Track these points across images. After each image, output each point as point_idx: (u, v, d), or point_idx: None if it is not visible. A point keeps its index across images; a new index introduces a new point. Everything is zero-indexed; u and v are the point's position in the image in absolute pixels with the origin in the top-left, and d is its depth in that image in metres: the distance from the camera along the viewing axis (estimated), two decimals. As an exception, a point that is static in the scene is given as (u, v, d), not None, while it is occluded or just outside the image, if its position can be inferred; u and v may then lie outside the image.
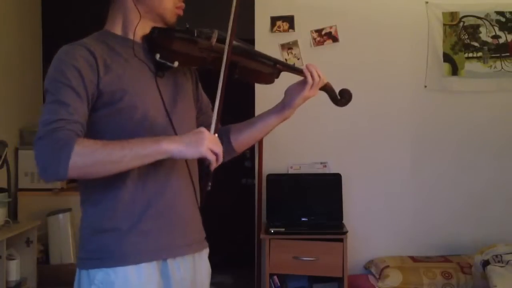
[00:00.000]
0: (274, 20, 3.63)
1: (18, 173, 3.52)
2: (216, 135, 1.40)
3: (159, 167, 1.42)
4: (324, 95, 1.72)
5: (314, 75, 1.58)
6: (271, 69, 1.61)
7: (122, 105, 1.39)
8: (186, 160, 1.49)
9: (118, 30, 1.48)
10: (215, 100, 1.44)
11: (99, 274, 1.38)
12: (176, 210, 1.47)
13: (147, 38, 1.48)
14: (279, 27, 3.62)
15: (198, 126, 1.57)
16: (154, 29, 1.49)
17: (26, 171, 3.51)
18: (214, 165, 1.37)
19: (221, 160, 1.37)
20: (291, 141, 3.59)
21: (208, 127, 1.54)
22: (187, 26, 1.50)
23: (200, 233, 1.58)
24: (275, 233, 3.24)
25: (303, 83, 1.59)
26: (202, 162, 1.40)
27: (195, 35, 1.49)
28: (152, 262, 1.42)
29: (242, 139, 1.66)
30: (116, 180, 1.38)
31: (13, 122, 3.56)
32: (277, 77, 1.64)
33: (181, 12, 1.52)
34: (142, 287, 1.39)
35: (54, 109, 1.30)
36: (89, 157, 1.27)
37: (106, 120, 1.40)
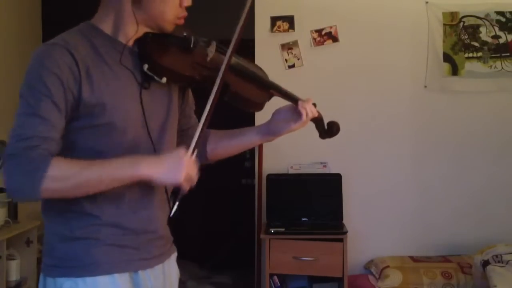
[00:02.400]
0: (274, 20, 3.62)
1: (18, 173, 3.52)
2: (194, 156, 1.33)
3: (133, 185, 1.34)
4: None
5: (308, 113, 1.48)
6: (265, 94, 1.51)
7: (101, 121, 1.30)
8: None
9: (107, 28, 1.36)
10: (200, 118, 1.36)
11: (67, 283, 1.32)
12: (150, 228, 1.42)
13: (138, 43, 1.37)
14: (279, 27, 3.62)
15: (179, 128, 1.53)
16: (147, 34, 1.38)
17: (26, 171, 3.50)
18: (184, 192, 1.32)
19: (193, 185, 1.32)
20: (291, 141, 3.56)
21: (187, 130, 1.53)
22: (185, 34, 1.40)
23: (169, 241, 1.54)
24: (275, 233, 3.24)
25: (295, 114, 1.49)
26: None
27: (191, 46, 1.39)
28: (124, 273, 1.37)
29: (218, 150, 1.59)
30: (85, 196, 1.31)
31: (13, 122, 3.56)
32: (268, 100, 1.54)
33: (182, 22, 1.41)
34: None
35: (31, 124, 1.24)
36: (64, 182, 1.23)
37: (83, 133, 1.31)
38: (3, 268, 2.81)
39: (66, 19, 4.40)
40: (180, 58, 1.39)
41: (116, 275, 1.35)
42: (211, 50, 1.41)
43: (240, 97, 1.46)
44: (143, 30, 1.38)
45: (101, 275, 1.33)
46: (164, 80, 1.36)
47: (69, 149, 1.30)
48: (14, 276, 3.00)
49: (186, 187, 1.31)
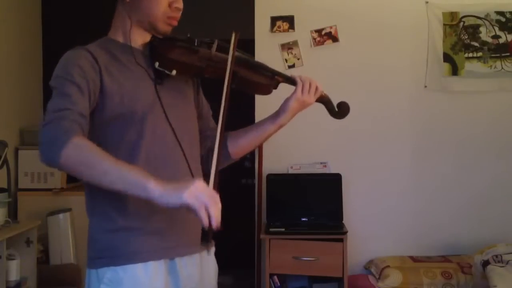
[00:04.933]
0: (274, 20, 3.63)
1: (18, 173, 3.52)
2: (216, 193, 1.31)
3: (164, 169, 1.45)
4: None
5: (302, 77, 1.64)
6: (269, 80, 1.64)
7: (123, 110, 1.43)
8: (188, 164, 1.52)
9: (119, 37, 1.53)
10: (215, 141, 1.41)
11: (108, 273, 1.40)
12: (182, 211, 1.44)
13: (148, 45, 1.53)
14: (279, 27, 3.62)
15: (199, 130, 1.63)
16: (154, 37, 1.53)
17: (26, 171, 3.50)
18: (204, 219, 1.25)
19: (214, 221, 1.25)
20: (291, 141, 3.58)
21: (205, 132, 1.62)
22: (188, 35, 1.53)
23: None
24: (275, 233, 3.24)
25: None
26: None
27: (195, 44, 1.52)
28: (160, 260, 1.44)
29: (239, 145, 1.68)
30: None
31: (13, 122, 3.56)
32: (275, 87, 1.66)
33: (174, 23, 1.53)
34: (149, 284, 1.41)
35: (59, 100, 1.35)
36: (81, 155, 1.29)
37: (111, 125, 1.44)
38: (3, 268, 2.80)
39: (66, 19, 4.41)
40: (186, 54, 1.52)
41: (153, 263, 1.42)
42: (214, 46, 1.53)
43: (247, 81, 1.59)
44: (144, 33, 1.53)
45: (139, 263, 1.41)
46: (174, 72, 1.48)
47: (102, 143, 1.39)
48: (14, 276, 2.99)
49: (195, 206, 1.24)
